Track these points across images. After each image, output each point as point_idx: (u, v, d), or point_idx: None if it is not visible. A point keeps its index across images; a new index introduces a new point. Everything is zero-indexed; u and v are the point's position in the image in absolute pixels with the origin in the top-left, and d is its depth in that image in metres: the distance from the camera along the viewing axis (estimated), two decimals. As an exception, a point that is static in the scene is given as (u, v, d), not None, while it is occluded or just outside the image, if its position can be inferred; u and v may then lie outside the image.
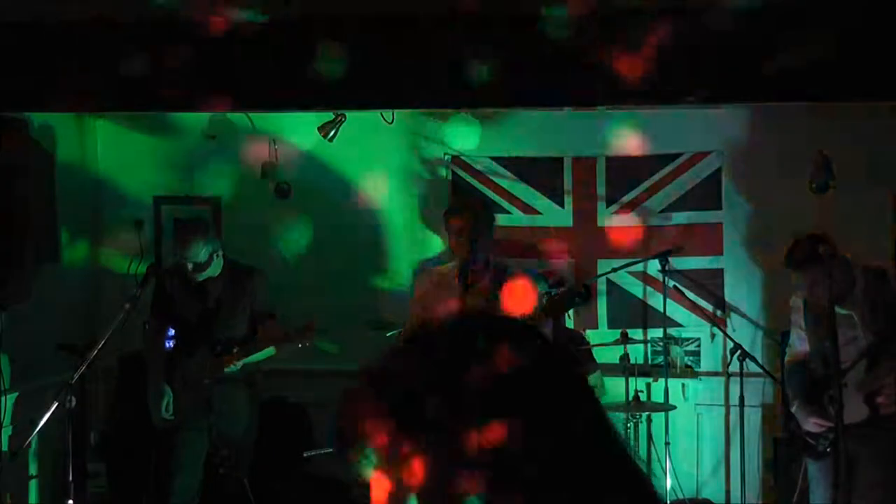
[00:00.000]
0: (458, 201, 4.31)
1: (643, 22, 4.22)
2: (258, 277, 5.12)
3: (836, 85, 4.35)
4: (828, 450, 4.32)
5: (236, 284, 5.04)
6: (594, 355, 5.80)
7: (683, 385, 6.18)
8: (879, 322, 4.27)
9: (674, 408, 5.69)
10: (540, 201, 6.33)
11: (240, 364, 4.87)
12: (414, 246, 6.35)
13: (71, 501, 4.42)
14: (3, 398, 5.15)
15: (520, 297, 4.17)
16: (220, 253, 5.02)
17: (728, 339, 5.58)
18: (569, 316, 5.91)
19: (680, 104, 5.11)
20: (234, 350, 4.86)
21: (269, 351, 4.94)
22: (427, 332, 1.09)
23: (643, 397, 5.60)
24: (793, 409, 4.51)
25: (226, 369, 4.85)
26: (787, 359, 4.70)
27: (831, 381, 4.27)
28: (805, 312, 4.48)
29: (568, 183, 6.31)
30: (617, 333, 5.79)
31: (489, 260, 4.23)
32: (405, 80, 4.40)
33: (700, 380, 6.22)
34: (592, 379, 5.67)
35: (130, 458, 5.79)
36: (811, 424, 4.38)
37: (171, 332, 5.08)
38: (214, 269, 4.99)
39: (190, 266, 4.92)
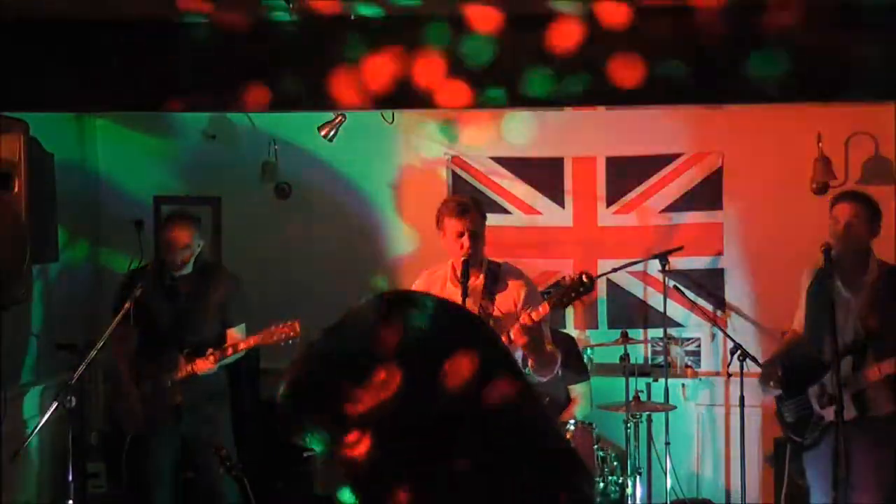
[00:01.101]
0: (454, 201, 4.27)
1: (644, 22, 4.23)
2: (229, 279, 5.05)
3: (837, 85, 4.35)
4: (818, 444, 4.33)
5: (206, 283, 4.97)
6: (585, 359, 5.78)
7: (683, 385, 6.19)
8: (875, 317, 4.26)
9: (674, 408, 5.69)
10: (540, 201, 6.33)
11: (216, 367, 4.79)
12: (413, 246, 6.35)
13: (71, 502, 4.42)
14: (2, 398, 5.14)
15: (515, 296, 4.17)
16: (201, 245, 5.00)
17: (728, 339, 5.58)
18: (572, 307, 5.88)
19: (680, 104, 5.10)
20: (209, 352, 4.77)
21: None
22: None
23: (643, 397, 5.59)
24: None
25: (201, 373, 4.77)
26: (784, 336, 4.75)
27: (819, 370, 4.29)
28: (812, 287, 4.47)
29: (568, 183, 6.31)
30: (617, 333, 5.78)
31: (483, 260, 4.22)
32: (404, 79, 4.40)
33: (700, 380, 6.23)
34: (578, 388, 5.63)
35: (130, 458, 5.77)
36: (763, 388, 4.44)
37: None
38: (190, 265, 4.96)
39: (179, 260, 4.87)
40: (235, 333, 4.96)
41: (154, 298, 4.89)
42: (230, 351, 4.80)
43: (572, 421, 5.28)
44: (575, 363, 5.53)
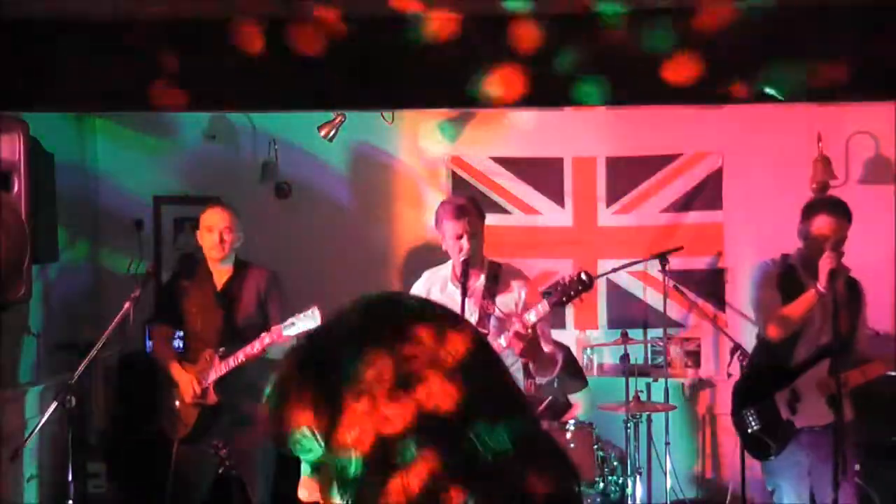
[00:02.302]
0: (452, 203, 4.25)
1: (646, 22, 4.23)
2: (268, 275, 4.84)
3: (837, 85, 4.35)
4: (785, 449, 4.31)
5: (247, 279, 4.78)
6: (585, 359, 5.76)
7: (683, 385, 6.19)
8: (842, 325, 4.23)
9: (674, 408, 5.69)
10: (540, 201, 6.34)
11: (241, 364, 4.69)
12: (413, 246, 6.35)
13: (71, 502, 4.42)
14: (2, 397, 5.15)
15: (516, 296, 4.16)
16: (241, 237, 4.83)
17: (728, 339, 5.58)
18: (572, 306, 5.87)
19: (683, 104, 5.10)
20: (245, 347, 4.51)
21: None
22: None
23: (643, 397, 5.59)
24: None
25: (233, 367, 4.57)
26: None
27: (785, 375, 4.28)
28: (788, 288, 4.43)
29: (568, 183, 6.32)
30: (617, 333, 5.78)
31: (484, 260, 4.22)
32: (405, 80, 4.40)
33: (700, 380, 6.23)
34: (578, 396, 5.63)
35: (130, 458, 5.78)
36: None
37: (179, 333, 4.87)
38: (232, 258, 4.79)
39: (229, 247, 4.71)
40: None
41: (195, 296, 4.76)
42: (258, 349, 4.48)
43: (572, 421, 5.28)
44: (572, 372, 5.51)
